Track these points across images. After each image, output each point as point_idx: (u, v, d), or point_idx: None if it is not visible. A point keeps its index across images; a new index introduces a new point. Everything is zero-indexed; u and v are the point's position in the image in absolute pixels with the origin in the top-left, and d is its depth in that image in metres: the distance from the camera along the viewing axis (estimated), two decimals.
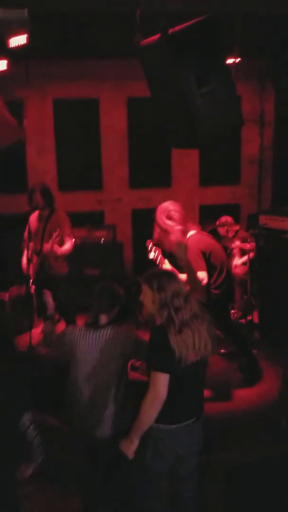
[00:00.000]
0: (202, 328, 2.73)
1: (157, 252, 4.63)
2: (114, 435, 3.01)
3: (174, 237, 4.46)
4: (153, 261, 4.72)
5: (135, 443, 2.72)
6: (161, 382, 2.63)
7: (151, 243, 4.71)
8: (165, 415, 2.69)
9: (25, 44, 4.59)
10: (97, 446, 3.12)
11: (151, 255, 4.68)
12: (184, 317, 2.69)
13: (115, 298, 3.21)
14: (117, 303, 3.21)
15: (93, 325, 3.14)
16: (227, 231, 6.56)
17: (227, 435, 4.19)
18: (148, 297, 2.79)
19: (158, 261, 4.63)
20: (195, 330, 2.69)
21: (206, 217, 7.44)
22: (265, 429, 4.25)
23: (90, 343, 3.09)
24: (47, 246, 5.24)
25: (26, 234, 5.53)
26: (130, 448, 2.72)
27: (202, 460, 3.59)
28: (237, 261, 6.64)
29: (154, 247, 4.67)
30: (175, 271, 4.56)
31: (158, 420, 2.69)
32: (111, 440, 2.98)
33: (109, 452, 3.06)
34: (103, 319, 3.16)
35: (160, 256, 4.60)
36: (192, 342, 2.66)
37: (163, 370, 2.64)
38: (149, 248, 4.69)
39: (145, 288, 2.82)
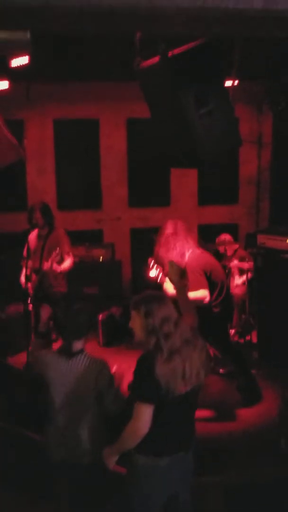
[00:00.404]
0: (194, 355, 2.59)
1: (158, 270, 4.62)
2: (90, 464, 2.94)
3: (171, 256, 4.47)
4: (154, 279, 4.72)
5: (116, 456, 2.70)
6: (145, 413, 2.51)
7: (153, 261, 4.71)
8: (152, 447, 2.58)
9: (26, 65, 4.67)
10: (73, 474, 3.02)
11: (152, 273, 4.68)
12: (174, 344, 2.54)
13: (89, 323, 3.08)
14: (91, 327, 3.11)
15: (66, 352, 2.99)
16: (225, 249, 6.59)
17: (226, 455, 4.15)
18: (137, 323, 2.64)
19: (159, 279, 4.62)
20: (186, 358, 2.55)
21: (205, 236, 7.46)
22: (264, 450, 4.21)
23: (63, 371, 2.96)
24: (46, 265, 5.25)
25: (25, 252, 5.54)
26: (111, 459, 2.71)
27: (201, 481, 3.56)
28: (237, 280, 6.65)
29: (156, 265, 4.67)
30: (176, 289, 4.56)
31: (145, 451, 2.59)
32: (88, 468, 2.93)
33: (86, 479, 3.00)
34: (77, 345, 2.99)
35: (161, 274, 4.59)
36: (182, 371, 2.52)
37: (148, 401, 2.52)
38: (151, 266, 4.69)
39: (133, 314, 2.67)
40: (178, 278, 3.03)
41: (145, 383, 2.52)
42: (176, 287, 3.01)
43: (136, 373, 2.59)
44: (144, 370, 2.53)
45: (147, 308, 2.60)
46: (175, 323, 2.60)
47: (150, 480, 2.61)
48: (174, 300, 4.84)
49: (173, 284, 3.02)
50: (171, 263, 3.22)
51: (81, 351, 2.99)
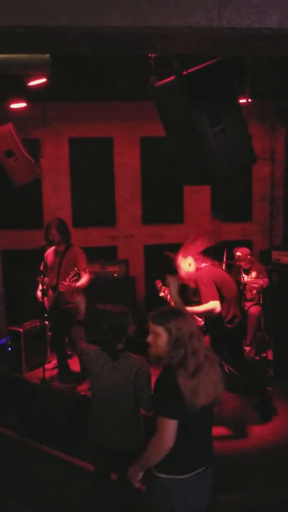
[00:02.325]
0: (212, 370, 2.61)
1: (166, 291, 4.77)
2: (128, 453, 3.11)
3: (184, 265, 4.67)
4: (164, 298, 4.85)
5: (141, 473, 2.70)
6: (169, 429, 2.50)
7: (160, 283, 4.89)
8: (174, 465, 2.57)
9: (43, 85, 4.78)
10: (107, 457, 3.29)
11: (161, 294, 4.85)
12: (199, 359, 2.56)
13: (129, 325, 3.36)
14: (128, 329, 3.37)
15: (110, 350, 3.28)
16: (240, 266, 6.61)
17: (242, 474, 4.10)
18: (162, 339, 2.61)
19: (168, 299, 4.74)
20: (208, 373, 2.57)
21: (218, 253, 7.47)
22: (281, 468, 4.16)
23: (105, 368, 3.25)
24: (64, 285, 5.27)
25: (42, 268, 5.60)
26: (136, 477, 2.71)
27: (217, 499, 3.52)
28: (252, 295, 6.61)
29: (163, 287, 4.84)
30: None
31: (167, 470, 2.58)
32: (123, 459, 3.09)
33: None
34: (119, 345, 3.30)
35: (169, 295, 4.70)
36: (204, 386, 2.52)
37: (172, 417, 2.50)
38: (158, 288, 4.87)
39: (158, 329, 2.64)
40: (178, 295, 3.10)
41: (169, 399, 2.50)
42: (174, 302, 3.09)
43: (159, 388, 2.59)
44: (167, 385, 2.52)
45: (176, 322, 2.60)
46: (199, 339, 2.62)
47: (172, 497, 2.60)
48: None
49: (173, 299, 3.11)
50: (172, 279, 3.29)
51: (123, 350, 3.28)
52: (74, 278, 5.25)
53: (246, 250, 6.80)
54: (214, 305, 4.46)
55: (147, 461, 2.62)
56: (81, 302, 4.08)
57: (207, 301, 4.48)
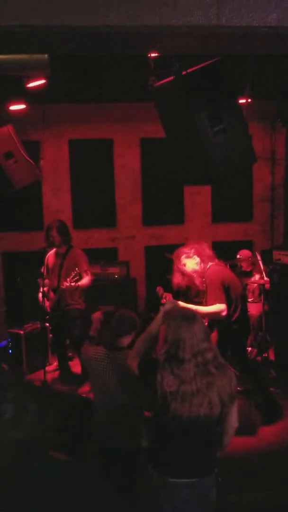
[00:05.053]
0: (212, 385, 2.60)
1: (167, 297, 4.75)
2: (127, 449, 3.23)
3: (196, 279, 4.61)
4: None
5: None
6: None
7: (161, 290, 4.87)
8: (162, 466, 2.63)
9: (42, 86, 4.77)
10: (110, 455, 3.32)
11: (163, 301, 4.84)
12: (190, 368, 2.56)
13: (132, 325, 3.42)
14: (134, 329, 3.42)
15: (110, 347, 3.35)
16: (241, 266, 6.59)
17: (244, 475, 4.08)
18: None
19: None
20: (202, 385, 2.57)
21: (219, 253, 7.48)
22: (284, 469, 4.14)
23: (105, 364, 3.31)
24: (65, 284, 5.27)
25: (43, 270, 5.59)
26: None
27: (220, 501, 3.50)
28: (254, 298, 6.60)
29: (164, 293, 4.83)
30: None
31: (157, 470, 2.63)
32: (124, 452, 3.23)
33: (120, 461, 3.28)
34: (120, 342, 3.36)
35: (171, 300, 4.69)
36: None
37: None
38: (160, 295, 4.86)
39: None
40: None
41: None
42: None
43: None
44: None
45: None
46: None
47: (161, 498, 2.62)
48: None
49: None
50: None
51: (123, 348, 3.35)
52: (75, 278, 5.26)
53: (247, 252, 6.79)
54: (221, 307, 4.40)
55: None
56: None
57: (213, 303, 4.43)
